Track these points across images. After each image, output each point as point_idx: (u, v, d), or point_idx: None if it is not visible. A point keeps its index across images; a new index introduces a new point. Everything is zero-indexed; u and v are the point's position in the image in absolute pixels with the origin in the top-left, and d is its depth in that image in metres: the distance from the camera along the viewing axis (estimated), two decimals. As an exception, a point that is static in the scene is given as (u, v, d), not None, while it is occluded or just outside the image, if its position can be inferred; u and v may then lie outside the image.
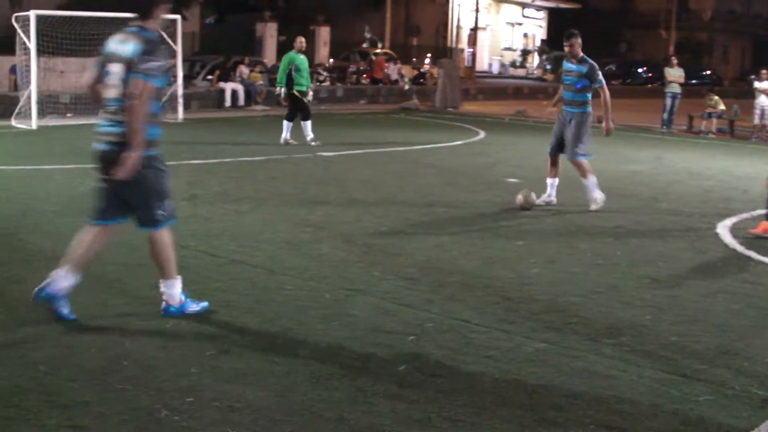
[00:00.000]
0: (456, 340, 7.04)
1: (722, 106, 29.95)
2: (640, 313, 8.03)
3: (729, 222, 12.63)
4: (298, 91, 20.50)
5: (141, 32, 7.11)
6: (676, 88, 29.72)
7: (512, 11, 73.58)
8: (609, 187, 15.37)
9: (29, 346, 6.54)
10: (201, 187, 13.80)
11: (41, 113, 23.65)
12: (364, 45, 50.54)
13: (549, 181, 13.58)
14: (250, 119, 28.09)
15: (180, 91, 26.79)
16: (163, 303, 7.44)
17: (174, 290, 7.43)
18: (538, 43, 72.97)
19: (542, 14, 76.05)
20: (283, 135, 20.40)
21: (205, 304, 7.58)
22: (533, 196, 13.18)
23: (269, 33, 41.80)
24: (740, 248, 10.99)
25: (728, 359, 6.89)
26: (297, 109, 20.60)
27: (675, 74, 29.92)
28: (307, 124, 20.51)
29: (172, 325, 7.12)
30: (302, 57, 20.66)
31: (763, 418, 5.70)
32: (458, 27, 62.83)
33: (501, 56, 71.14)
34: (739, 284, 9.24)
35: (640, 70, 66.02)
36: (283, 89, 20.63)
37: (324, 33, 45.52)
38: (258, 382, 5.97)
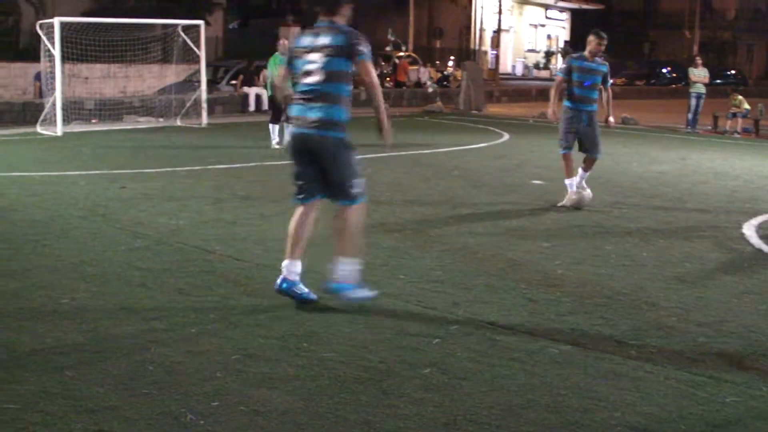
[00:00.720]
0: (481, 343, 7.03)
1: (747, 106, 29.83)
2: (666, 314, 8.00)
3: (755, 222, 12.58)
4: None
5: (333, 25, 7.81)
6: (700, 89, 29.63)
7: (535, 13, 73.61)
8: (635, 187, 15.37)
9: (56, 351, 6.56)
10: (226, 192, 13.83)
11: (66, 120, 23.78)
12: (388, 48, 50.57)
13: (568, 181, 13.55)
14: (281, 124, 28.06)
15: (204, 96, 26.87)
16: (331, 282, 7.91)
17: (347, 268, 7.87)
18: (561, 45, 72.87)
19: (565, 15, 76.06)
20: (283, 138, 20.48)
21: (374, 293, 8.05)
22: (587, 195, 13.21)
23: (292, 37, 41.84)
24: (767, 248, 10.93)
25: (755, 360, 6.86)
26: (276, 112, 20.59)
27: (699, 74, 29.82)
28: (275, 128, 20.55)
29: (197, 330, 7.13)
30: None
31: (792, 419, 5.67)
32: (481, 29, 62.89)
33: (524, 58, 71.16)
34: (766, 285, 9.19)
35: (664, 71, 65.79)
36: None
37: (346, 36, 45.51)
38: (283, 386, 5.97)
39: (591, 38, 13.64)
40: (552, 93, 13.92)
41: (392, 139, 8.03)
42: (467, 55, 59.08)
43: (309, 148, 7.80)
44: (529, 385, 6.13)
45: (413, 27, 58.67)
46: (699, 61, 30.77)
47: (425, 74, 43.93)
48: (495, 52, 61.75)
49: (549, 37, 75.59)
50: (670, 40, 76.64)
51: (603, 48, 13.54)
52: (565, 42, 72.83)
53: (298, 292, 7.88)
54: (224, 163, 17.31)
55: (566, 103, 13.63)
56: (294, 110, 7.88)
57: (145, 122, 26.31)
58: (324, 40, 7.72)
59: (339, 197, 7.92)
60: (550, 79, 59.68)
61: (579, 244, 10.95)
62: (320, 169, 7.83)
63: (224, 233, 10.79)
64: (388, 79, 43.38)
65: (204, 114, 26.52)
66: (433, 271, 9.20)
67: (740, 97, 30.07)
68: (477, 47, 62.38)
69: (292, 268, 7.91)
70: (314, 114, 7.70)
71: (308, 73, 7.74)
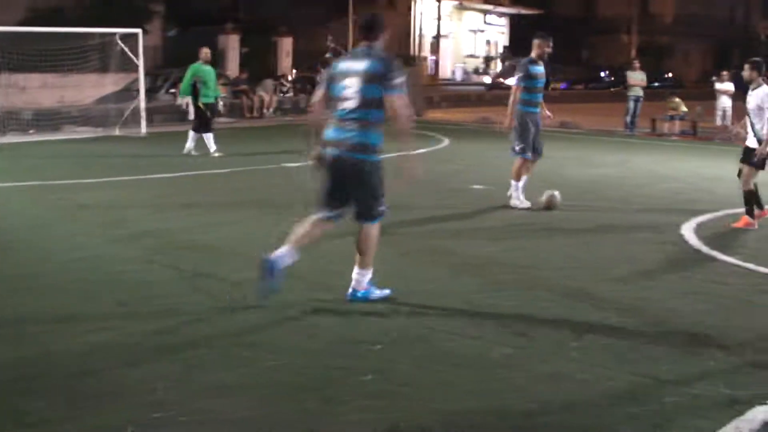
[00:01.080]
0: (423, 348, 7.01)
1: (684, 108, 30.10)
2: (609, 315, 8.03)
3: (695, 222, 12.66)
4: (204, 104, 20.49)
5: (371, 51, 8.11)
6: (638, 92, 29.85)
7: (474, 18, 73.86)
8: (577, 191, 15.41)
9: (-7, 365, 6.47)
10: (166, 201, 13.71)
11: (3, 130, 23.48)
12: (328, 55, 50.45)
13: (521, 184, 13.62)
14: (215, 131, 27.79)
15: (142, 104, 26.65)
16: (351, 289, 8.33)
17: (364, 278, 8.35)
18: (500, 50, 73.19)
19: (504, 21, 76.37)
20: (187, 145, 20.47)
21: (387, 291, 8.45)
22: (557, 196, 13.42)
23: (231, 45, 41.65)
24: (706, 249, 11.01)
25: (695, 359, 6.90)
26: (201, 122, 20.58)
27: (637, 78, 30.06)
28: (209, 137, 20.50)
29: (138, 341, 7.06)
30: (208, 68, 20.64)
31: (731, 417, 5.69)
32: (421, 35, 62.97)
33: (464, 63, 71.38)
34: (705, 284, 9.26)
35: (603, 75, 66.24)
36: (186, 99, 20.64)
37: (286, 44, 45.42)
38: (226, 396, 5.92)
39: (538, 41, 13.68)
40: (511, 101, 13.82)
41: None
42: (407, 60, 59.15)
43: (342, 170, 8.11)
44: (472, 390, 6.13)
45: (353, 33, 58.69)
46: (636, 64, 30.99)
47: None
48: (435, 57, 61.94)
49: (488, 42, 75.91)
50: (609, 44, 77.28)
51: (550, 50, 13.67)
52: (505, 47, 73.16)
53: (277, 270, 8.08)
54: (164, 173, 17.16)
55: (525, 108, 13.61)
56: (330, 133, 8.12)
57: (83, 132, 26.02)
58: (361, 65, 8.01)
59: (362, 217, 8.33)
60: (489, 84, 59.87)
61: (523, 246, 10.99)
62: (348, 190, 8.21)
63: (164, 243, 10.70)
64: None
65: (143, 123, 26.30)
66: (376, 276, 9.16)
67: (677, 99, 30.34)
68: (417, 53, 62.48)
69: (285, 252, 8.16)
70: (349, 138, 8.01)
71: (345, 98, 8.02)
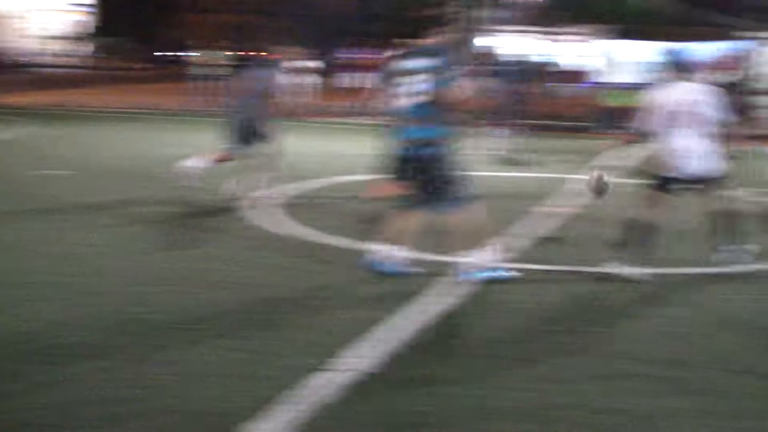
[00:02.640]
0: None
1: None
2: (211, 304, 7.99)
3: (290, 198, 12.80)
4: None
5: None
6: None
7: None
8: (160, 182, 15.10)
9: None
10: None
11: None
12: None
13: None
14: None
15: None
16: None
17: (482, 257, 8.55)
18: (90, 30, 71.94)
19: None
20: None
21: (509, 274, 8.64)
22: (605, 177, 10.19)
23: None
24: (270, 227, 11.14)
25: (276, 332, 7.09)
26: None
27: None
28: None
29: None
30: None
31: (310, 382, 5.90)
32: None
33: (45, 44, 69.55)
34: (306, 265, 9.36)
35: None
36: None
37: None
38: None
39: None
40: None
41: None
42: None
43: (416, 166, 8.52)
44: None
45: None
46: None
47: None
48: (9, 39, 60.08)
49: (74, 21, 74.22)
50: (204, 24, 77.42)
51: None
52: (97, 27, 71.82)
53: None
54: None
55: None
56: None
57: None
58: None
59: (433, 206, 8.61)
60: (76, 67, 58.50)
61: (127, 235, 10.75)
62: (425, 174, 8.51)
63: None
64: None
65: None
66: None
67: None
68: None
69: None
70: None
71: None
